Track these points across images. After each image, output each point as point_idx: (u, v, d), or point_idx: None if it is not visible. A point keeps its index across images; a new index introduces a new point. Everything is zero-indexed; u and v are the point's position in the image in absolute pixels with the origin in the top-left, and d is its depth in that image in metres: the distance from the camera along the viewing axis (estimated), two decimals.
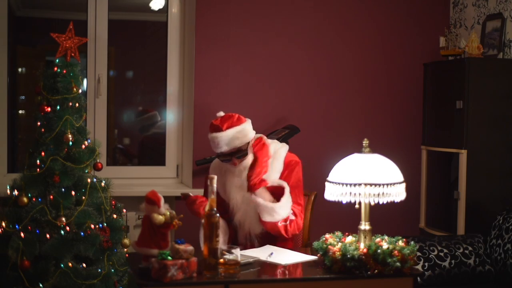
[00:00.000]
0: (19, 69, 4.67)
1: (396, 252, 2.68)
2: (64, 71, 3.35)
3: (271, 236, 3.26)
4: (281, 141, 4.04)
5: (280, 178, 3.28)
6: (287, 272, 2.84)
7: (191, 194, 3.24)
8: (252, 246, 3.27)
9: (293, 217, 3.24)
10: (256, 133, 3.32)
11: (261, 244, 3.25)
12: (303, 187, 3.39)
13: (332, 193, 2.79)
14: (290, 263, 2.88)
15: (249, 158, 3.24)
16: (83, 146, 3.35)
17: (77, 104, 3.38)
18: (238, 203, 3.25)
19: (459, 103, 4.12)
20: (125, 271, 3.37)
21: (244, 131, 3.21)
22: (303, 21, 4.59)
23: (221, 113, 3.28)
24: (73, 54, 3.38)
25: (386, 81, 4.74)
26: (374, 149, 2.85)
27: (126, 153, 4.90)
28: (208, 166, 3.65)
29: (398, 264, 2.66)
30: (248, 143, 3.24)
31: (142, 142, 4.96)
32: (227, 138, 3.16)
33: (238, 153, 3.20)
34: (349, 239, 2.84)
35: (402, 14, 4.76)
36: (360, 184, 2.71)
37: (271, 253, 2.98)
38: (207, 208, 2.65)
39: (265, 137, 3.42)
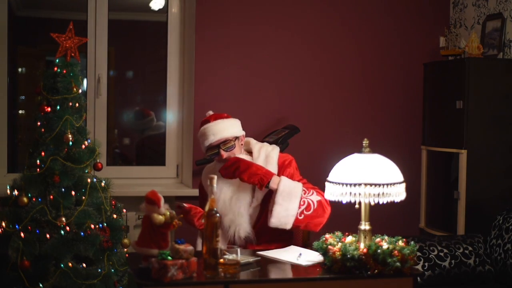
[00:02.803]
0: (19, 69, 4.67)
1: (396, 252, 2.68)
2: (64, 71, 3.34)
3: (256, 238, 3.24)
4: (281, 141, 4.05)
5: None
6: (287, 272, 2.84)
7: (185, 205, 3.25)
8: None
9: (317, 197, 3.16)
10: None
11: (244, 247, 3.24)
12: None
13: (332, 193, 2.78)
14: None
15: (240, 155, 3.27)
16: (83, 146, 3.35)
17: (77, 104, 3.37)
18: (226, 206, 3.23)
19: (459, 103, 4.12)
20: (125, 271, 3.37)
21: (232, 124, 3.29)
22: (303, 21, 4.59)
23: (210, 112, 3.37)
24: (73, 54, 3.38)
25: (386, 81, 4.74)
26: (374, 149, 2.84)
27: (124, 157, 4.90)
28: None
29: (398, 264, 2.66)
30: (237, 137, 3.27)
31: (142, 142, 4.96)
32: (214, 127, 3.24)
33: (225, 143, 3.23)
34: (349, 239, 2.84)
35: (402, 14, 4.76)
36: (360, 184, 2.71)
37: (300, 254, 2.96)
38: (207, 208, 2.65)
39: (253, 141, 3.42)
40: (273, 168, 3.27)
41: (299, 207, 3.14)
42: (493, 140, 4.13)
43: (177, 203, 3.32)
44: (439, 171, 4.50)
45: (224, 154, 3.24)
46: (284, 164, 3.31)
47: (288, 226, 3.15)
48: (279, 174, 3.27)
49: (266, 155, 3.30)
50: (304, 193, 3.16)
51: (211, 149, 3.27)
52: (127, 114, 4.88)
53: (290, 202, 3.13)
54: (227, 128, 3.25)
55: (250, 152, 3.38)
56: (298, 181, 3.29)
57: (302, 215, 3.14)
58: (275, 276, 2.85)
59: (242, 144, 3.34)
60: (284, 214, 3.13)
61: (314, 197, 3.17)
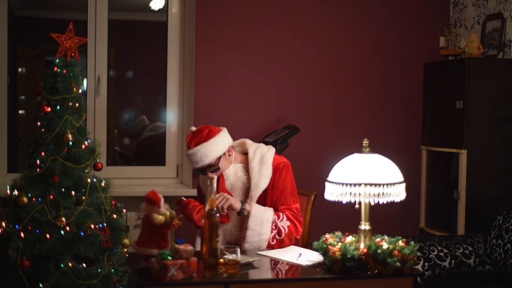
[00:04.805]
0: (19, 69, 4.67)
1: (396, 252, 2.68)
2: (64, 71, 3.35)
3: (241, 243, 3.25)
4: (281, 141, 4.04)
5: (270, 182, 3.25)
6: (287, 272, 2.84)
7: (183, 199, 3.25)
8: None
9: (287, 223, 3.22)
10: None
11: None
12: (297, 187, 3.37)
13: (332, 193, 2.78)
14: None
15: (229, 168, 3.26)
16: (83, 146, 3.35)
17: (77, 104, 3.38)
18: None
19: (459, 103, 4.12)
20: (125, 271, 3.37)
21: (212, 146, 3.19)
22: (303, 21, 4.59)
23: (193, 128, 3.29)
24: (73, 54, 3.38)
25: (386, 81, 4.74)
26: (374, 149, 2.84)
27: (124, 156, 4.90)
28: None
29: (398, 264, 2.66)
30: (220, 157, 3.21)
31: (142, 142, 4.96)
32: (195, 156, 3.19)
33: (209, 168, 3.21)
34: (349, 239, 2.84)
35: (402, 14, 4.76)
36: (360, 184, 2.71)
37: (300, 254, 2.96)
38: (207, 208, 2.65)
39: (248, 142, 3.39)
40: (267, 169, 3.25)
41: (271, 232, 3.18)
42: (493, 140, 4.13)
43: (176, 198, 3.31)
44: (439, 171, 4.50)
45: (211, 176, 3.20)
46: (279, 167, 3.28)
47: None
48: (273, 177, 3.26)
49: (262, 156, 3.28)
50: (276, 219, 3.20)
51: (197, 170, 3.27)
52: (127, 114, 4.87)
53: (262, 226, 3.17)
54: (207, 153, 3.18)
55: (245, 153, 3.37)
56: (290, 187, 3.30)
57: (274, 240, 3.19)
58: (275, 276, 2.85)
59: (230, 155, 3.28)
60: (256, 239, 3.17)
61: (285, 223, 3.21)
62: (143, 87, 5.03)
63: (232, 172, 3.27)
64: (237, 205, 3.16)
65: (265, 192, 3.26)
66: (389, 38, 4.74)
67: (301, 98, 4.59)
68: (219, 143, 3.21)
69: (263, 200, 3.26)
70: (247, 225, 3.17)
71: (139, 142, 4.92)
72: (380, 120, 4.73)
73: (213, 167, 3.21)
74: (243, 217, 3.23)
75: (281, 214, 3.23)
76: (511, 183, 4.14)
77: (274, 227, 3.19)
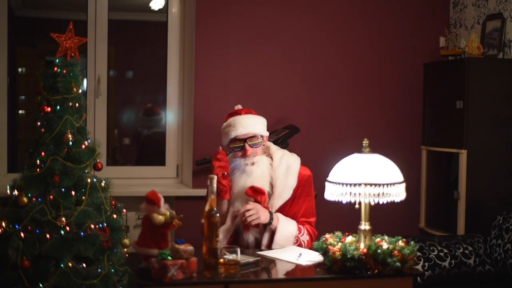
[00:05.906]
0: (19, 69, 4.67)
1: (396, 252, 2.68)
2: (64, 71, 3.35)
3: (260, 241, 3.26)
4: (281, 141, 4.04)
5: (293, 194, 3.24)
6: (287, 272, 2.84)
7: (220, 149, 3.19)
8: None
9: (306, 237, 3.23)
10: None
11: (254, 246, 3.25)
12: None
13: (332, 193, 2.79)
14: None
15: (262, 158, 3.24)
16: (83, 146, 3.35)
17: (77, 104, 3.38)
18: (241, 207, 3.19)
19: (459, 103, 4.12)
20: (125, 271, 3.38)
21: (261, 122, 3.27)
22: (303, 22, 4.59)
23: (239, 106, 3.33)
24: (73, 54, 3.38)
25: (386, 81, 4.74)
26: (374, 149, 2.84)
27: (132, 147, 4.90)
28: (209, 166, 3.63)
29: (398, 264, 2.66)
30: (262, 136, 3.24)
31: (142, 142, 4.96)
32: (245, 121, 3.19)
33: (252, 139, 3.18)
34: (349, 239, 2.84)
35: (402, 14, 4.76)
36: (360, 184, 2.71)
37: (300, 254, 2.97)
38: (207, 208, 2.65)
39: (273, 147, 3.36)
40: (293, 181, 3.23)
41: (292, 244, 3.20)
42: (493, 140, 4.13)
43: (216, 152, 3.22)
44: (439, 171, 4.50)
45: (249, 150, 3.18)
46: (303, 180, 3.26)
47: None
48: (297, 188, 3.25)
49: (288, 166, 3.25)
50: (298, 233, 3.22)
51: (235, 142, 3.20)
52: (127, 114, 4.87)
53: (286, 241, 3.19)
54: (257, 124, 3.23)
55: (270, 157, 3.33)
56: (311, 201, 3.31)
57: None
58: (275, 276, 2.85)
59: (264, 145, 3.29)
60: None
61: (305, 237, 3.23)
62: (143, 87, 5.03)
63: (263, 161, 3.24)
64: (266, 222, 3.17)
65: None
66: (389, 38, 4.74)
67: (301, 98, 4.59)
68: (265, 124, 3.29)
69: (281, 207, 3.24)
70: (274, 240, 3.17)
71: (146, 138, 4.92)
72: (380, 120, 4.73)
73: (256, 139, 3.20)
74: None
75: (302, 228, 3.24)
76: (511, 183, 4.14)
77: (295, 241, 3.21)
